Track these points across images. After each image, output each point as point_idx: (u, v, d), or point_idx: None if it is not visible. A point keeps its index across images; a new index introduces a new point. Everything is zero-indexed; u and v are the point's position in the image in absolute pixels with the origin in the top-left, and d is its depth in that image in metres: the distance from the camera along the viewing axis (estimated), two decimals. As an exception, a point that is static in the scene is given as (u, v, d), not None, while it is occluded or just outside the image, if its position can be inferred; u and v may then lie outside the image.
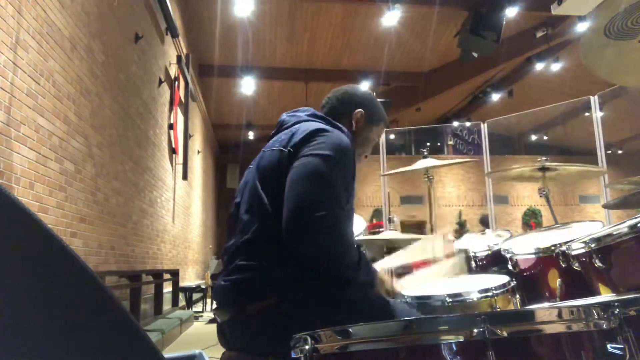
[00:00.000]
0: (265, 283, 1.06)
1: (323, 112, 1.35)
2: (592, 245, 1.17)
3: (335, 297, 1.07)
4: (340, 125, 1.27)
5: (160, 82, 6.45)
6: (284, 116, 1.33)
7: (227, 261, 1.14)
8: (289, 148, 1.12)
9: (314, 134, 1.12)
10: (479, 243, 2.29)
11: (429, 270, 1.30)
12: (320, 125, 1.19)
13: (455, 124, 13.94)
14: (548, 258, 1.59)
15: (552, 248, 1.56)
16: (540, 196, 2.35)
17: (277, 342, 0.84)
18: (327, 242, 1.01)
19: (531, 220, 14.97)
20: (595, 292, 1.23)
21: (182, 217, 8.18)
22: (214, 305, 1.19)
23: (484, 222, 6.04)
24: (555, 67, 9.62)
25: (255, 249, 1.09)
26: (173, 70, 7.16)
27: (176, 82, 7.20)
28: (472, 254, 2.18)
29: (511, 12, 7.39)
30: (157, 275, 5.83)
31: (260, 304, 1.05)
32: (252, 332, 1.06)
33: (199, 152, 10.24)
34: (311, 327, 0.73)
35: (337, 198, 1.04)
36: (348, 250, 1.05)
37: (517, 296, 1.58)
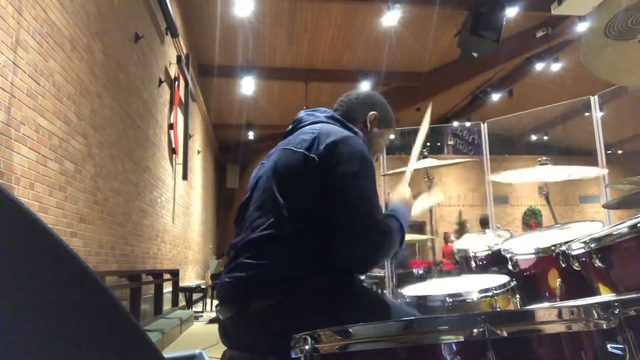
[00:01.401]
0: (270, 281, 1.05)
1: (338, 115, 1.35)
2: (592, 245, 1.17)
3: (339, 297, 1.07)
4: (356, 129, 1.29)
5: (160, 82, 6.45)
6: (302, 114, 1.34)
7: (232, 257, 1.14)
8: (313, 155, 1.11)
9: (337, 145, 1.12)
10: (479, 243, 2.29)
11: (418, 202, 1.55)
12: (341, 131, 1.20)
13: (455, 124, 13.94)
14: (548, 258, 1.59)
15: (552, 248, 1.56)
16: (540, 196, 2.35)
17: (278, 341, 0.84)
18: (381, 246, 1.08)
19: (531, 220, 14.97)
20: (595, 292, 1.23)
21: (182, 217, 8.18)
22: (216, 303, 1.19)
23: (484, 223, 6.03)
24: (555, 67, 9.62)
25: (263, 247, 1.08)
26: (173, 70, 7.16)
27: (176, 82, 7.20)
28: (472, 254, 2.18)
29: (511, 12, 7.39)
30: (157, 275, 5.83)
31: (264, 302, 1.05)
32: (254, 330, 1.06)
33: (199, 152, 10.24)
34: (314, 326, 0.73)
35: (376, 206, 1.12)
36: (393, 246, 1.14)
37: (517, 296, 1.59)
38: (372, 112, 1.37)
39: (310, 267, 1.06)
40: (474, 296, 1.47)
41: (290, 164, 1.14)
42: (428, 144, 15.25)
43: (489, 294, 1.48)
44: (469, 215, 14.42)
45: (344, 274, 1.11)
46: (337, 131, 1.18)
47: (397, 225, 1.17)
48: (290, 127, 1.33)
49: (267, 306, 1.05)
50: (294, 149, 1.16)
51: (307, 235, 1.08)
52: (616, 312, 0.70)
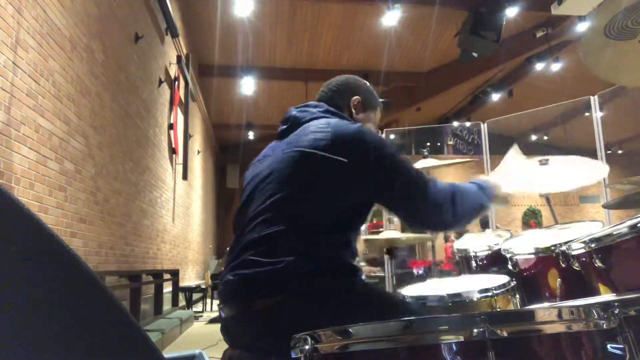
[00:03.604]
0: (276, 279, 1.03)
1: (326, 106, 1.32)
2: (592, 245, 1.17)
3: (344, 297, 1.07)
4: (348, 118, 1.27)
5: (160, 82, 6.45)
6: (294, 112, 1.29)
7: (235, 256, 1.12)
8: (337, 157, 1.08)
9: (361, 142, 1.12)
10: (479, 243, 2.29)
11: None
12: (347, 124, 1.17)
13: (455, 124, 13.92)
14: (548, 258, 1.59)
15: (552, 248, 1.56)
16: (541, 196, 2.35)
17: (281, 340, 0.84)
18: (452, 201, 1.16)
19: (531, 220, 14.97)
20: (595, 292, 1.23)
21: (182, 217, 8.18)
22: (218, 301, 1.18)
23: (482, 223, 6.03)
24: (555, 67, 9.61)
25: (270, 246, 1.07)
26: (173, 70, 7.16)
27: (176, 82, 7.20)
28: (472, 254, 2.18)
29: (511, 12, 7.39)
30: (157, 275, 5.83)
31: (269, 300, 1.03)
32: (257, 328, 1.05)
33: (199, 152, 10.24)
34: (317, 326, 0.73)
35: (420, 176, 1.15)
36: (469, 197, 1.22)
37: (517, 296, 1.58)
38: (354, 97, 1.35)
39: (316, 266, 1.05)
40: (474, 296, 1.47)
41: (301, 165, 1.11)
42: (428, 143, 15.28)
43: (489, 294, 1.47)
44: (469, 215, 14.40)
45: (349, 273, 1.11)
46: (346, 125, 1.15)
47: (467, 185, 1.26)
48: (284, 126, 1.29)
49: (271, 304, 1.03)
50: (305, 149, 1.12)
51: (315, 236, 1.07)
52: (616, 312, 0.69)
